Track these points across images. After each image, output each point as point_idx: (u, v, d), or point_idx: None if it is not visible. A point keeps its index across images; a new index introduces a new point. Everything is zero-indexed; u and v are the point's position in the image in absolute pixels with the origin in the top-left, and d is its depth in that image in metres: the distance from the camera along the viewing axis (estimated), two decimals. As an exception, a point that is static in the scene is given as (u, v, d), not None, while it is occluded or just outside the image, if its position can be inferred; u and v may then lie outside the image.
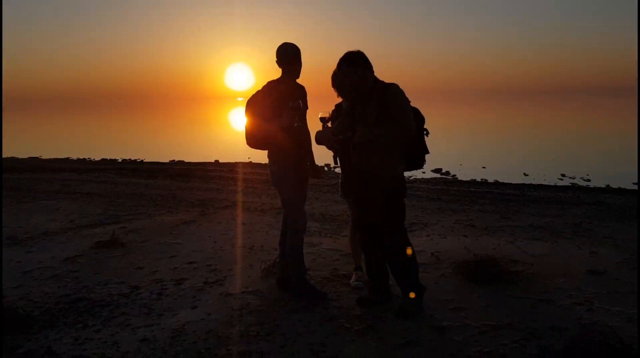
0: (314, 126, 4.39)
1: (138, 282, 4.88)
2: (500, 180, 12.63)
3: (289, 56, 4.18)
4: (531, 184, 11.47)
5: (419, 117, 4.26)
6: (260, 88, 4.26)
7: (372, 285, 4.32)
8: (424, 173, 14.66)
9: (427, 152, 4.34)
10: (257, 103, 4.20)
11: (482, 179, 13.12)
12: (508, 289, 4.52)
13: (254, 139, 4.28)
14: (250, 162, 16.78)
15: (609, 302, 4.22)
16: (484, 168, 15.30)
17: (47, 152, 21.85)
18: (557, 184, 12.13)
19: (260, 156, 5.30)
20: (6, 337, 3.69)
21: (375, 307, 4.19)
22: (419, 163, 4.30)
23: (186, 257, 5.66)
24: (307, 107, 4.40)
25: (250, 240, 6.35)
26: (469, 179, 13.04)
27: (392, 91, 3.87)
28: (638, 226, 6.90)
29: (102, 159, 19.11)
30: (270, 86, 4.23)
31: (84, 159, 19.54)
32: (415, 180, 12.40)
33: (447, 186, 11.09)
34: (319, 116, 4.19)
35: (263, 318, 4.01)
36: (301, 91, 4.33)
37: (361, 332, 3.74)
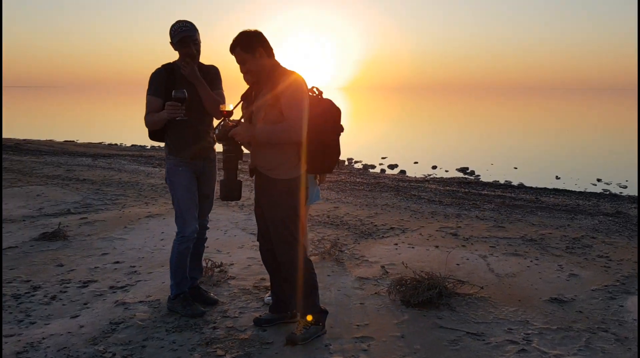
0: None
1: (43, 282, 4.50)
2: (527, 183, 11.61)
3: (170, 40, 3.62)
4: (555, 189, 10.42)
5: (332, 113, 3.66)
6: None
7: (272, 301, 3.75)
8: (447, 171, 13.79)
9: (339, 152, 3.74)
10: (148, 89, 3.67)
11: (506, 181, 12.12)
12: (438, 316, 3.84)
13: (150, 132, 3.77)
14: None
15: (551, 343, 3.48)
16: (515, 168, 14.23)
17: (85, 136, 22.21)
18: (587, 190, 10.99)
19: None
20: None
21: (272, 328, 3.62)
22: (326, 166, 3.69)
23: (117, 256, 5.25)
24: (220, 88, 3.83)
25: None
26: (492, 180, 12.09)
27: (287, 84, 3.27)
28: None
29: (132, 145, 19.18)
30: (161, 69, 3.68)
31: (115, 144, 19.69)
32: (429, 179, 11.58)
33: (459, 187, 10.25)
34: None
35: (135, 336, 3.52)
36: (206, 73, 3.75)
37: (230, 362, 3.18)
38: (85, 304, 4.05)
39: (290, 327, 3.57)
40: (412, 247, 5.69)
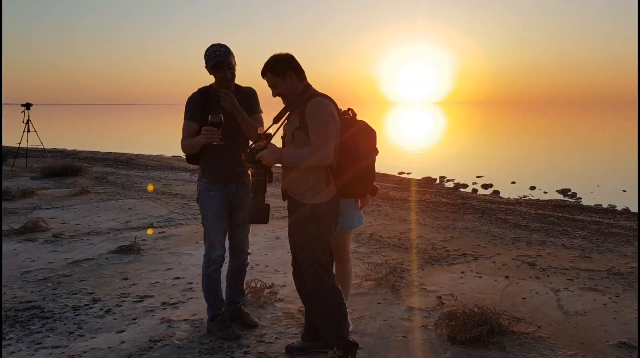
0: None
1: (104, 295, 4.73)
2: (634, 208, 10.59)
3: (205, 64, 3.67)
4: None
5: (366, 135, 3.53)
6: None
7: (305, 329, 3.66)
8: (545, 193, 12.93)
9: (374, 176, 3.59)
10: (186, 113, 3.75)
11: (610, 205, 11.13)
12: (484, 356, 3.55)
13: (187, 156, 3.86)
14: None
15: (607, 396, 3.08)
16: (624, 191, 13.05)
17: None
18: None
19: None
20: None
21: (303, 356, 3.53)
22: (359, 190, 3.55)
23: (179, 271, 5.41)
24: (259, 111, 3.86)
25: (268, 257, 5.92)
26: (594, 204, 11.16)
27: (309, 107, 3.20)
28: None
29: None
30: (197, 94, 3.75)
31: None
32: (522, 201, 10.90)
33: (553, 211, 9.54)
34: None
35: (168, 356, 3.59)
36: (242, 97, 3.78)
37: (249, 390, 3.13)
38: (134, 319, 4.19)
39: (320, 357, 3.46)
40: (480, 276, 5.35)
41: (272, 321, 4.16)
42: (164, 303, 4.53)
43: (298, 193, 3.33)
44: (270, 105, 3.82)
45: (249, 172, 3.60)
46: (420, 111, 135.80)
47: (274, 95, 3.37)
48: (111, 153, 21.83)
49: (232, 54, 3.64)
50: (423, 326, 4.07)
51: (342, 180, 3.36)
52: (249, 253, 4.08)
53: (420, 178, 14.73)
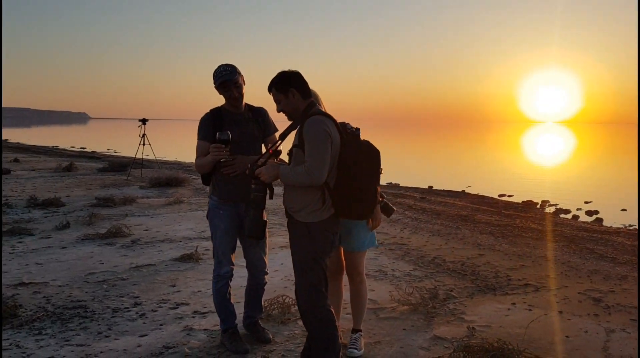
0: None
1: (147, 299, 5.01)
2: None
3: (214, 84, 3.77)
4: None
5: (368, 155, 3.46)
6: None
7: (304, 348, 3.62)
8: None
9: (375, 198, 3.49)
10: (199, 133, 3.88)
11: None
12: (486, 397, 3.28)
13: (202, 177, 3.99)
14: (464, 191, 15.69)
15: None
16: None
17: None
18: None
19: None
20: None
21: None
22: (359, 211, 3.47)
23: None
24: (273, 130, 3.94)
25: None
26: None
27: (306, 125, 3.21)
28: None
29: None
30: (208, 114, 3.86)
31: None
32: (623, 231, 9.90)
33: (655, 243, 8.58)
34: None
35: (174, 362, 3.70)
36: (254, 115, 3.87)
37: (230, 404, 3.15)
38: (161, 325, 4.40)
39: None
40: (530, 310, 4.96)
41: (287, 338, 4.16)
42: (195, 312, 4.70)
43: (295, 210, 3.33)
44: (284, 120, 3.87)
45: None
46: (548, 131, 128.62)
47: (278, 111, 3.42)
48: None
49: (239, 73, 3.73)
50: (439, 357, 3.85)
51: (339, 200, 3.31)
52: (266, 273, 4.12)
53: (519, 201, 13.94)
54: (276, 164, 3.33)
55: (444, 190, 15.84)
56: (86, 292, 5.20)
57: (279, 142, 3.53)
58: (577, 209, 12.93)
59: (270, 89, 3.37)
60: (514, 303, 5.13)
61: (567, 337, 4.29)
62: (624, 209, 13.15)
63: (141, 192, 12.55)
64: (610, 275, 6.26)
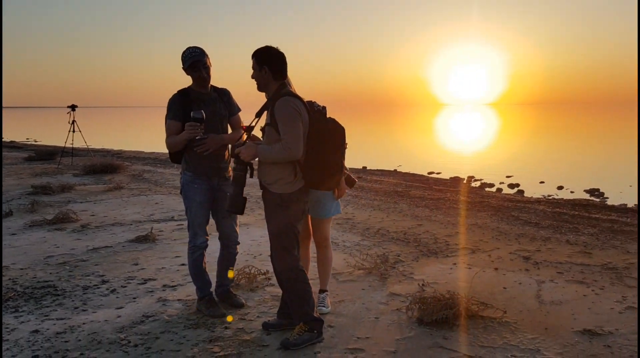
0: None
1: (113, 277, 5.17)
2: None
3: (182, 65, 4.01)
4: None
5: (333, 131, 3.81)
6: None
7: (280, 307, 3.97)
8: (572, 192, 12.79)
9: (341, 170, 3.87)
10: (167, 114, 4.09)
11: (635, 204, 10.96)
12: (444, 337, 3.78)
13: (171, 155, 4.20)
14: (395, 171, 16.43)
15: (550, 374, 3.26)
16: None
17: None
18: None
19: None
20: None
21: (278, 332, 3.85)
22: (327, 183, 3.84)
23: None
24: (237, 110, 4.21)
25: (260, 248, 6.23)
26: (619, 203, 11.01)
27: (277, 105, 3.52)
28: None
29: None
30: (177, 95, 4.08)
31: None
32: (543, 201, 10.86)
33: (570, 209, 9.49)
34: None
35: (155, 329, 3.96)
36: (219, 95, 4.13)
37: (220, 358, 3.46)
38: (134, 298, 4.60)
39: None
40: (469, 268, 5.53)
41: (259, 302, 4.49)
42: (164, 286, 4.93)
43: (269, 183, 3.64)
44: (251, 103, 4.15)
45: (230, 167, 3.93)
46: (470, 113, 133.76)
47: (252, 77, 3.67)
48: (154, 152, 22.67)
49: (206, 55, 3.98)
50: (397, 309, 4.31)
51: (309, 173, 3.65)
52: (238, 243, 4.40)
53: (447, 178, 14.79)
54: (254, 144, 3.62)
55: (377, 170, 16.48)
56: (50, 273, 5.29)
57: (256, 119, 3.81)
58: (500, 183, 13.91)
59: (252, 56, 3.62)
60: (455, 264, 5.69)
61: (504, 288, 4.86)
62: (542, 182, 14.26)
63: (76, 179, 12.35)
64: (536, 238, 6.97)
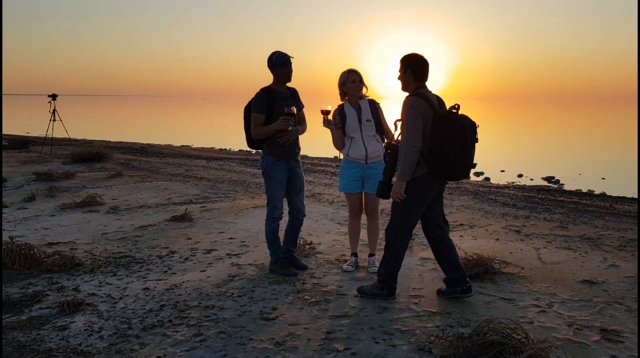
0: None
1: (177, 248, 5.92)
2: (610, 193, 11.91)
3: (272, 64, 4.83)
4: (633, 198, 10.73)
5: (445, 128, 4.10)
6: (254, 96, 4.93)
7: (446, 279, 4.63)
8: (531, 179, 14.24)
9: (455, 166, 4.12)
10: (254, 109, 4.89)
11: (589, 190, 12.46)
12: (480, 286, 4.78)
13: (252, 141, 5.01)
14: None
15: (569, 308, 4.33)
16: (603, 178, 14.39)
17: (198, 141, 24.54)
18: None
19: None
20: (55, 276, 4.89)
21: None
22: (450, 174, 4.23)
23: (231, 234, 6.60)
24: (302, 106, 5.07)
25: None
26: (575, 189, 12.48)
27: (404, 103, 4.14)
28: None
29: (240, 150, 21.06)
30: (261, 91, 4.90)
31: (225, 149, 21.70)
32: (510, 186, 12.19)
33: (537, 193, 10.81)
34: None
35: (247, 284, 4.78)
36: (292, 94, 4.97)
37: (313, 303, 4.35)
38: (209, 264, 5.39)
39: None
40: (475, 239, 6.59)
41: (317, 265, 5.37)
42: (228, 254, 5.73)
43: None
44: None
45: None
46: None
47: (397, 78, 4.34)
48: (121, 142, 22.90)
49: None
50: (434, 269, 5.30)
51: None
52: (305, 215, 5.25)
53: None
54: (397, 181, 4.19)
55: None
56: (118, 246, 5.98)
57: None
58: (467, 171, 15.24)
59: (402, 64, 4.25)
60: (461, 236, 6.74)
61: (510, 253, 5.93)
62: (502, 171, 15.68)
63: (69, 167, 12.73)
64: (518, 216, 8.14)
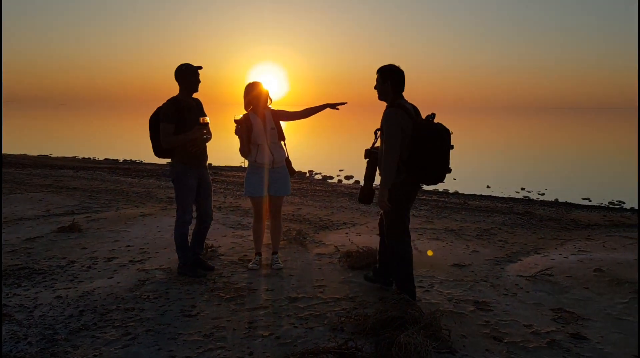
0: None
1: (76, 258, 5.91)
2: (461, 191, 13.45)
3: (182, 74, 5.11)
4: (481, 195, 12.30)
5: (425, 133, 4.29)
6: (161, 104, 5.17)
7: (376, 268, 5.09)
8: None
9: (437, 168, 4.32)
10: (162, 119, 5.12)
11: (444, 189, 13.96)
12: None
13: (161, 150, 5.22)
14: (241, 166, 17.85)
15: (447, 287, 5.12)
16: (454, 179, 16.08)
17: (58, 151, 23.19)
18: (510, 196, 12.93)
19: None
20: (-47, 291, 4.73)
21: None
22: (429, 178, 4.43)
23: (126, 242, 6.67)
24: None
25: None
26: (432, 189, 13.90)
27: (385, 114, 4.35)
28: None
29: (105, 159, 20.34)
30: (170, 102, 5.15)
31: (89, 158, 20.79)
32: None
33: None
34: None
35: (159, 287, 5.00)
36: (197, 104, 5.28)
37: (229, 299, 4.70)
38: (115, 271, 5.49)
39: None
40: (359, 235, 7.31)
41: (223, 266, 5.70)
42: (131, 261, 5.85)
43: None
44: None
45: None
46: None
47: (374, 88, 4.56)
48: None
49: None
50: (330, 263, 5.88)
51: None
52: (212, 219, 5.55)
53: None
54: (381, 189, 4.47)
55: (226, 166, 17.73)
56: (12, 259, 5.80)
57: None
58: (337, 176, 16.17)
59: (381, 74, 4.44)
60: (347, 233, 7.42)
61: (391, 245, 6.70)
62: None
63: None
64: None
